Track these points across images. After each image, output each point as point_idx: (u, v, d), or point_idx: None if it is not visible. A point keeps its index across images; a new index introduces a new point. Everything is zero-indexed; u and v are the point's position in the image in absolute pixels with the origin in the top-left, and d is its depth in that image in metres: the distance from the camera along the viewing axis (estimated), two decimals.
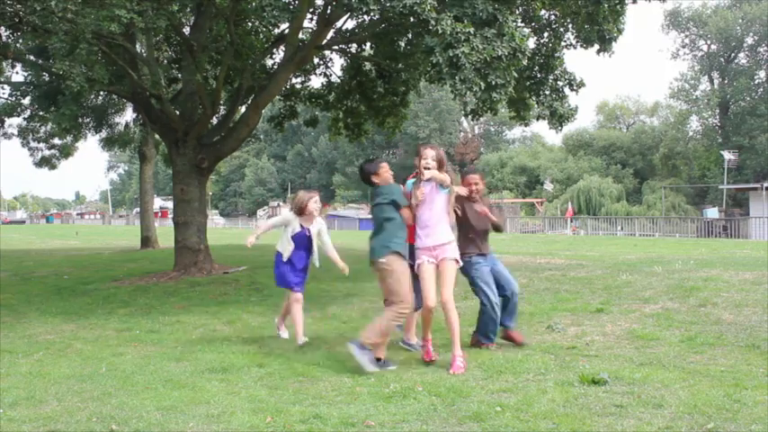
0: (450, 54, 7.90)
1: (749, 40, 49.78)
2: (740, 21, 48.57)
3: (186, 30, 12.16)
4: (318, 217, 6.50)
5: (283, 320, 6.67)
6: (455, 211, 5.55)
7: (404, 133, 55.74)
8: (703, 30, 50.28)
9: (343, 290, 9.37)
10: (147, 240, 20.35)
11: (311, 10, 11.88)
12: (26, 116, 18.36)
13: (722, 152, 42.02)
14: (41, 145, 21.87)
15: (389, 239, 5.22)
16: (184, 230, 11.58)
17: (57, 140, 21.66)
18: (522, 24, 10.91)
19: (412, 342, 5.89)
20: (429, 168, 5.12)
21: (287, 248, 6.37)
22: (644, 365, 4.97)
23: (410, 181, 5.56)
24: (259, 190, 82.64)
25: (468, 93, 8.30)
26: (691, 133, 52.60)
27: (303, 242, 6.38)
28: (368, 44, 13.21)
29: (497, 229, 5.99)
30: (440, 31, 7.88)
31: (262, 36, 13.48)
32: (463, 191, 5.76)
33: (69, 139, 20.84)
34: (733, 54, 50.80)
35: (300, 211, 6.36)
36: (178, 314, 7.98)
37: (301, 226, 6.37)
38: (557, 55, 11.69)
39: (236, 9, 10.73)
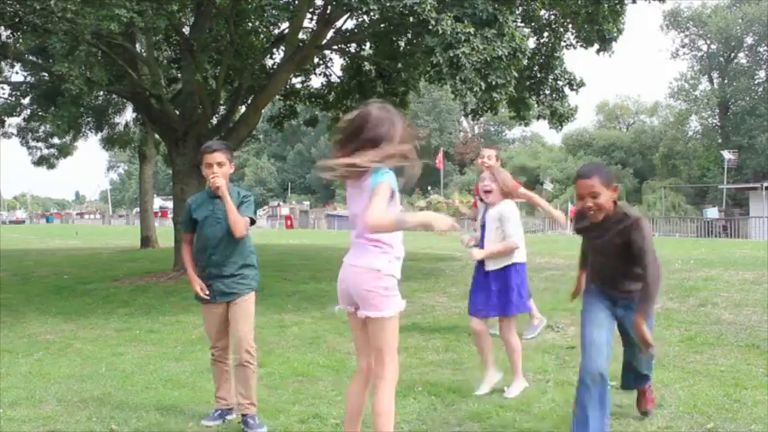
0: (451, 54, 7.91)
1: (749, 40, 49.74)
2: (740, 21, 48.53)
3: (186, 30, 12.16)
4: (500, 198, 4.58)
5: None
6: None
7: None
8: (703, 30, 50.25)
9: None
10: (146, 240, 20.35)
11: (311, 10, 11.88)
12: (25, 116, 18.37)
13: (722, 152, 42.02)
14: (40, 144, 21.91)
15: None
16: None
17: (56, 140, 21.68)
18: (522, 24, 10.92)
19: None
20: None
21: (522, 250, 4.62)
22: None
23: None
24: (259, 190, 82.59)
25: (469, 93, 8.31)
26: (690, 133, 52.58)
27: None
28: (368, 44, 13.22)
29: None
30: (440, 32, 7.88)
31: (262, 36, 13.49)
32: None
33: (68, 138, 20.85)
34: (733, 54, 50.77)
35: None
36: (178, 314, 7.98)
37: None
38: (557, 55, 11.71)
39: (236, 9, 10.73)
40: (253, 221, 3.97)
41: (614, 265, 3.44)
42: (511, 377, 4.50)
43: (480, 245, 4.56)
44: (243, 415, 3.87)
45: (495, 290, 4.44)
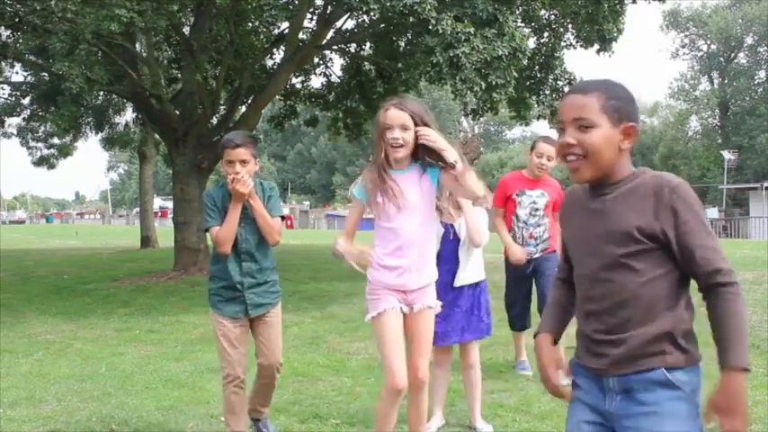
0: (451, 54, 7.91)
1: (749, 40, 49.77)
2: (740, 21, 48.57)
3: (186, 30, 12.16)
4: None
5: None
6: None
7: None
8: (703, 30, 50.28)
9: (343, 289, 9.37)
10: (146, 240, 20.34)
11: (311, 10, 11.89)
12: (25, 116, 18.38)
13: (722, 152, 42.05)
14: (40, 144, 21.91)
15: None
16: (184, 230, 11.58)
17: (56, 140, 21.69)
18: (522, 24, 10.94)
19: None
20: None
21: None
22: None
23: None
24: None
25: (469, 93, 8.32)
26: (690, 133, 52.58)
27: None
28: (368, 44, 13.23)
29: None
30: (440, 31, 7.89)
31: (262, 36, 13.50)
32: None
33: (68, 138, 20.86)
34: (733, 54, 50.79)
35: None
36: (178, 314, 7.98)
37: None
38: (557, 55, 11.73)
39: (236, 9, 10.73)
40: (282, 218, 3.42)
41: (610, 283, 1.68)
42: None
43: (447, 264, 3.65)
44: (256, 420, 3.61)
45: (466, 309, 3.69)
